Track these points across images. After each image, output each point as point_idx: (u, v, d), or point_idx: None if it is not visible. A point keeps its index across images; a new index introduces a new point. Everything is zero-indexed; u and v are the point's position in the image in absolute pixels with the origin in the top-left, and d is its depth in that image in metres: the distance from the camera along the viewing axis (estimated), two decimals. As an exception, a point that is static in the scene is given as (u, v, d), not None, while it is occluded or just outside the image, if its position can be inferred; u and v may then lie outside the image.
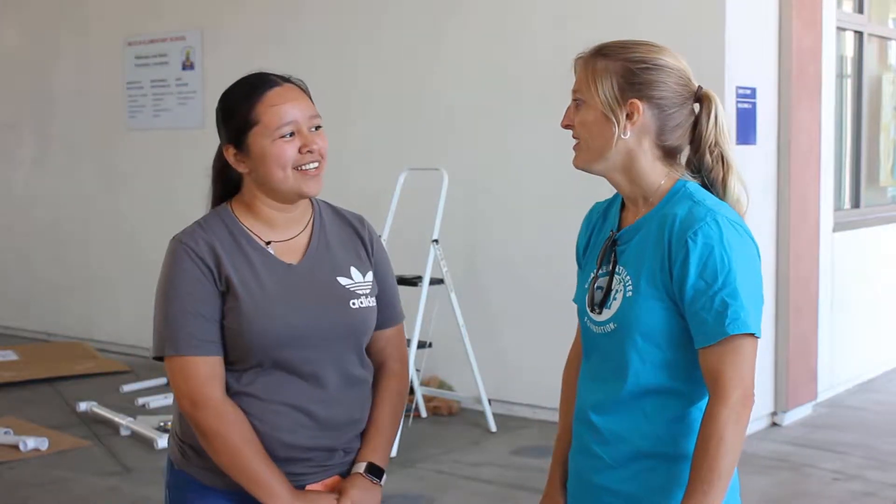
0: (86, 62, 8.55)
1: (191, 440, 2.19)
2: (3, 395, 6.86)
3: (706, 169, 2.03)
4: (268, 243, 2.20)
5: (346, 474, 2.24)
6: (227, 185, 2.26)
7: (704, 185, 2.03)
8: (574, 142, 2.05)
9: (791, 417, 6.14)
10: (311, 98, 2.21)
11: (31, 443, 5.56)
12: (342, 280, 2.24)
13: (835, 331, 6.64)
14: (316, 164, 2.16)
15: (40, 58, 8.85)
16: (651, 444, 1.99)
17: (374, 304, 2.28)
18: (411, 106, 6.72)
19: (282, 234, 2.22)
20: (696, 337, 1.93)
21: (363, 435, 2.27)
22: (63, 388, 7.04)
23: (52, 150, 8.87)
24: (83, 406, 6.33)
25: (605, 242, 2.08)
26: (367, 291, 2.26)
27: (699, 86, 2.05)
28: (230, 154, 2.18)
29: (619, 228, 2.08)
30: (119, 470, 5.29)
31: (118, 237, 8.34)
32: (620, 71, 1.98)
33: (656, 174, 2.02)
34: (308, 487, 2.19)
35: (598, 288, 2.05)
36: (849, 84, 7.29)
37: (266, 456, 2.13)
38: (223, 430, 2.10)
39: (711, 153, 2.03)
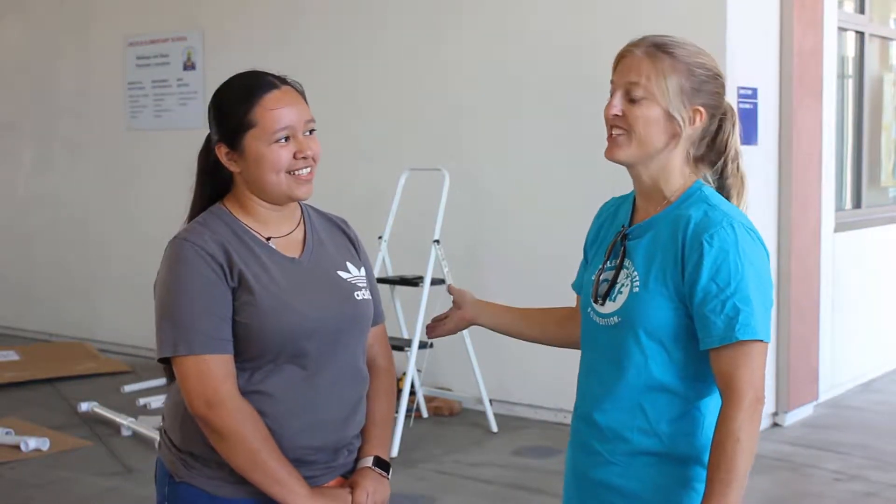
0: (87, 62, 8.55)
1: (194, 447, 2.16)
2: (5, 396, 6.86)
3: (726, 176, 2.08)
4: (268, 239, 2.20)
5: (348, 475, 2.24)
6: (213, 180, 2.25)
7: (718, 190, 2.07)
8: (605, 133, 2.06)
9: (792, 418, 6.14)
10: (306, 100, 2.21)
11: (32, 443, 5.56)
12: (342, 274, 2.26)
13: (836, 331, 6.64)
14: (308, 169, 2.17)
15: (41, 58, 8.85)
16: (651, 443, 2.00)
17: (371, 298, 2.30)
18: (412, 106, 6.72)
19: (277, 230, 2.22)
20: (702, 338, 1.95)
21: (363, 432, 2.28)
22: (64, 389, 7.04)
23: (53, 151, 8.86)
24: (84, 406, 6.33)
25: (615, 236, 2.10)
26: (365, 285, 2.29)
27: None
28: (222, 152, 2.18)
29: (630, 224, 2.10)
30: (120, 470, 5.29)
31: (119, 237, 8.33)
32: (687, 75, 1.99)
33: (680, 176, 2.05)
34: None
35: (604, 280, 2.07)
36: (850, 84, 7.29)
37: (282, 455, 2.10)
38: (241, 429, 2.06)
39: (734, 162, 2.08)
